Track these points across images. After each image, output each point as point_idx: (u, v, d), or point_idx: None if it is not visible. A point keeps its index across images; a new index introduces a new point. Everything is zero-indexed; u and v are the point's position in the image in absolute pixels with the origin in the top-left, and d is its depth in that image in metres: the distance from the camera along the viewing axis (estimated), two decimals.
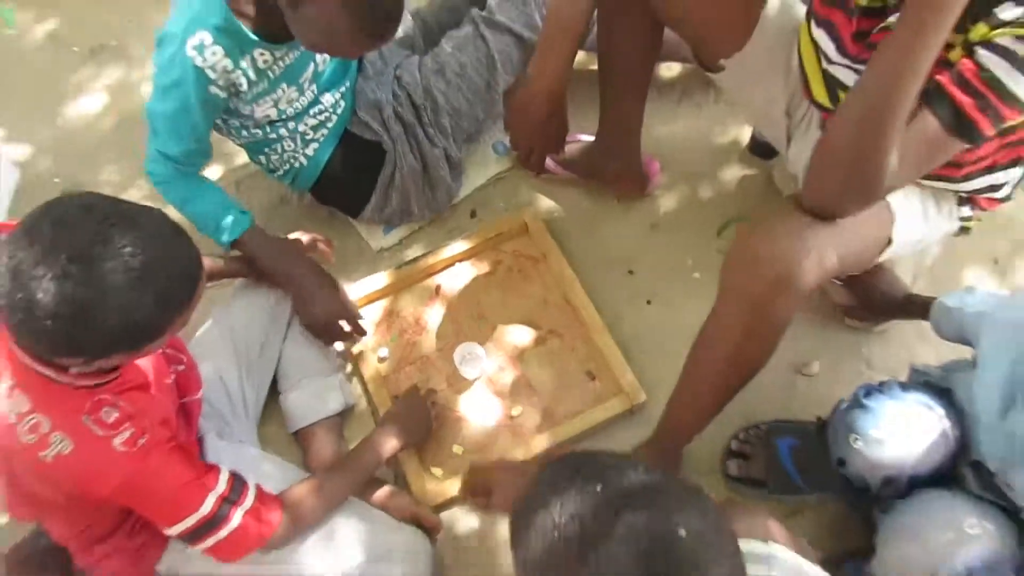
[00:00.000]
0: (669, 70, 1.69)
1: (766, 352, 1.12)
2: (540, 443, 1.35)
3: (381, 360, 1.46)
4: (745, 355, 1.11)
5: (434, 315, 1.49)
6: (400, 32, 1.53)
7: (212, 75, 1.18)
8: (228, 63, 1.18)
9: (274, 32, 1.20)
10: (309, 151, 1.44)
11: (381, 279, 1.51)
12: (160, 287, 0.89)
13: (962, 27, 0.90)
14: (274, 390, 1.41)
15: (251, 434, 1.36)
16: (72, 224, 0.86)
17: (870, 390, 1.09)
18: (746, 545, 0.79)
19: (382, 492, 1.32)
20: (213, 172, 1.65)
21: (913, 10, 0.84)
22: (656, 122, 1.61)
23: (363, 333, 1.42)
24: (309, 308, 1.35)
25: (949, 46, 0.93)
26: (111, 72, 1.83)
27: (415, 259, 1.54)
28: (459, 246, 1.53)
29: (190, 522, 1.03)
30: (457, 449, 1.39)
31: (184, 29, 1.16)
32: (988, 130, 0.93)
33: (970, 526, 0.96)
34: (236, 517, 1.06)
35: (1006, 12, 0.87)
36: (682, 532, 0.62)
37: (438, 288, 1.52)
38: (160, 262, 0.89)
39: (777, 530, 0.94)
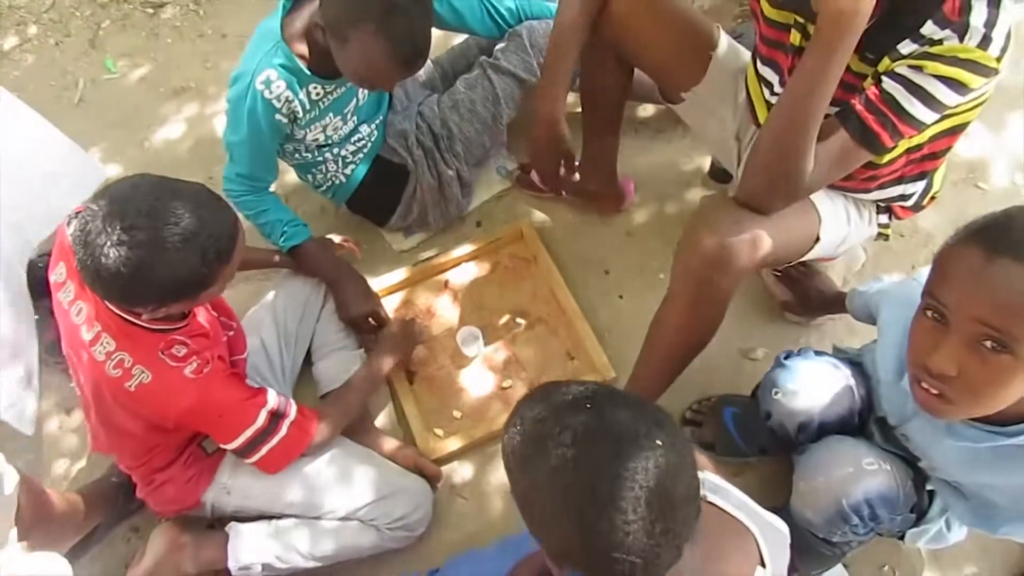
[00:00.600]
0: (645, 111, 1.98)
1: (710, 325, 1.33)
2: None
3: None
4: (692, 327, 1.32)
5: (442, 304, 1.78)
6: (423, 75, 1.87)
7: (276, 104, 1.47)
8: (289, 94, 1.47)
9: (325, 70, 1.49)
10: (347, 171, 1.74)
11: (400, 274, 1.80)
12: (203, 246, 1.09)
13: (874, 62, 1.13)
14: (307, 361, 1.69)
15: (288, 394, 1.65)
16: (125, 199, 1.07)
17: (789, 354, 1.30)
18: None
19: (391, 445, 1.58)
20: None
21: (818, 45, 1.06)
22: (634, 152, 1.90)
23: (385, 324, 1.71)
24: (346, 307, 1.66)
25: (863, 76, 1.15)
26: (190, 108, 2.15)
27: (429, 258, 1.83)
28: (465, 248, 1.82)
29: (248, 434, 1.29)
30: (456, 414, 1.65)
31: (254, 69, 1.45)
32: (888, 142, 1.14)
33: (868, 463, 1.13)
34: (284, 427, 1.32)
35: (905, 48, 1.08)
36: (651, 434, 0.78)
37: (447, 282, 1.81)
38: (202, 225, 1.08)
39: (705, 462, 1.15)
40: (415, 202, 1.80)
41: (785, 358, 1.30)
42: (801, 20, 1.22)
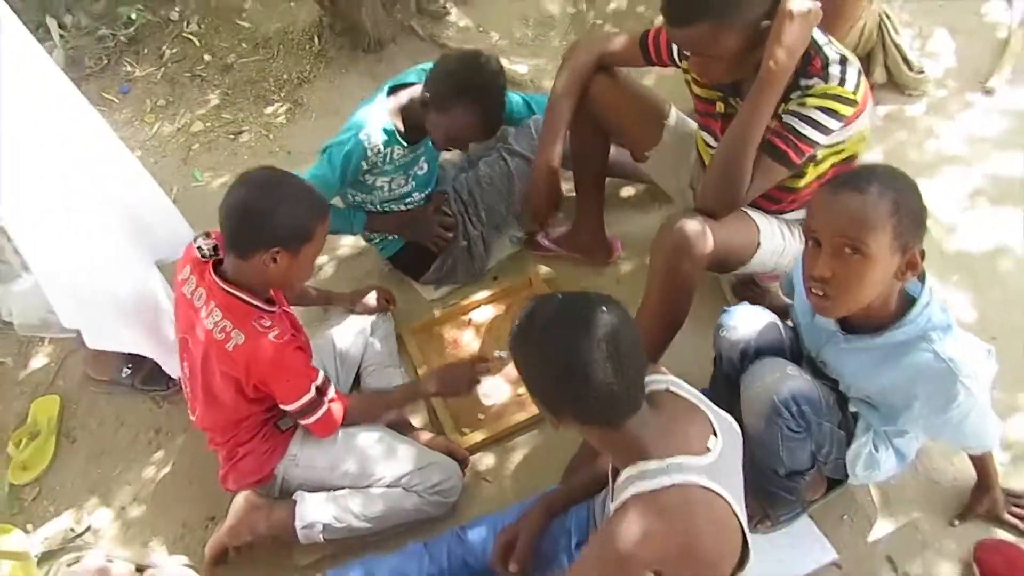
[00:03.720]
0: (628, 190, 2.46)
1: (681, 306, 1.70)
2: (534, 409, 1.96)
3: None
4: (666, 307, 1.69)
5: (466, 336, 2.17)
6: (462, 158, 2.39)
7: (369, 153, 1.96)
8: (381, 147, 1.97)
9: (413, 137, 2.01)
10: None
11: (431, 314, 2.21)
12: (308, 204, 1.57)
13: (780, 106, 1.60)
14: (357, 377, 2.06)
15: None
16: (252, 175, 1.57)
17: (732, 307, 1.65)
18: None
19: (426, 436, 1.91)
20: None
21: (752, 96, 1.53)
22: (620, 221, 2.33)
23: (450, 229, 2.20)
24: (411, 233, 2.19)
25: (776, 117, 1.61)
26: None
27: (454, 303, 2.25)
28: (485, 293, 2.24)
29: (301, 402, 1.64)
30: (480, 416, 2.00)
31: (361, 127, 1.95)
32: (795, 157, 1.58)
33: (792, 371, 1.46)
34: (325, 403, 1.67)
35: (792, 95, 1.56)
36: (601, 304, 1.16)
37: (470, 320, 2.21)
38: (306, 190, 1.59)
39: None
40: (449, 259, 2.25)
41: (728, 308, 1.66)
42: (722, 94, 1.72)
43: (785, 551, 1.68)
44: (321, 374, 1.69)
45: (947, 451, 1.79)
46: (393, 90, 2.05)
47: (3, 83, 1.60)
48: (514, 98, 2.24)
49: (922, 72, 2.61)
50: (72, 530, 1.89)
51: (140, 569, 1.67)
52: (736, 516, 1.23)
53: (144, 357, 2.04)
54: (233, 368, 1.61)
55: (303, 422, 1.69)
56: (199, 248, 1.62)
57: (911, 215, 1.28)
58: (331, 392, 1.71)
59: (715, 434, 1.26)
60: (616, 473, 1.27)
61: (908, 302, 1.37)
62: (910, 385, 1.36)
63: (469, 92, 1.89)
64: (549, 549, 1.58)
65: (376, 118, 1.98)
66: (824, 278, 1.30)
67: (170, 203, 2.17)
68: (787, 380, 1.45)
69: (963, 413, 1.34)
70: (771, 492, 1.68)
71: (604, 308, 1.17)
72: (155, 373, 2.11)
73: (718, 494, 1.19)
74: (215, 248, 1.63)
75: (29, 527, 1.92)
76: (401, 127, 2.00)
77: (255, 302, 1.62)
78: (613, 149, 2.17)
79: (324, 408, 1.68)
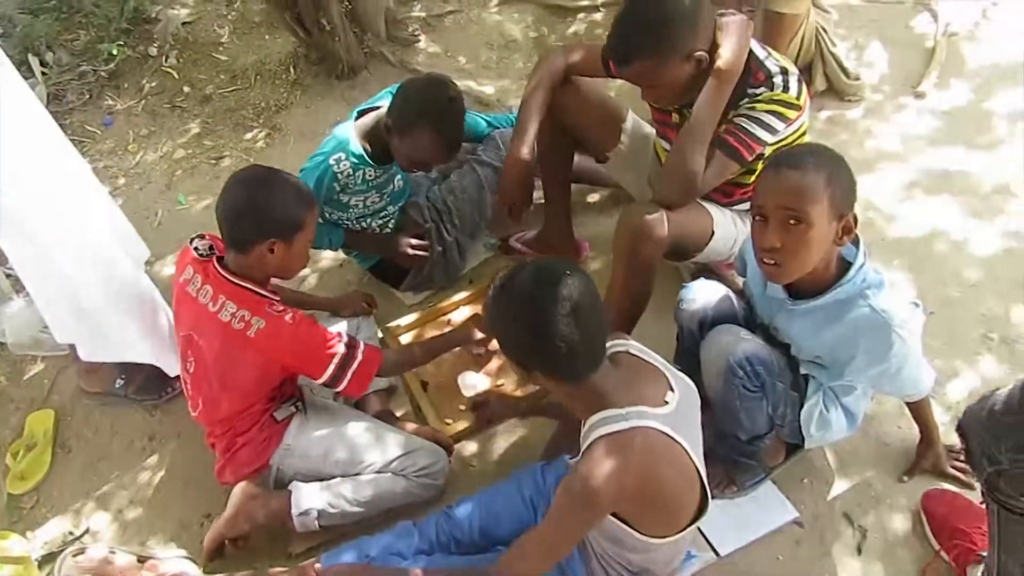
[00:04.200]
0: (593, 196, 2.61)
1: (644, 288, 1.85)
2: (516, 396, 2.08)
3: None
4: (630, 288, 1.84)
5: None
6: (434, 172, 2.53)
7: (340, 176, 2.08)
8: (350, 170, 2.08)
9: (382, 159, 2.13)
10: None
11: (413, 317, 2.33)
12: (297, 196, 1.71)
13: (727, 114, 1.77)
14: None
15: (330, 399, 2.08)
16: (243, 175, 1.73)
17: (690, 282, 1.81)
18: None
19: (411, 425, 2.02)
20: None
21: (709, 91, 1.71)
22: (587, 225, 2.49)
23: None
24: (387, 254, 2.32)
25: (728, 121, 1.77)
26: None
27: (433, 304, 2.37)
28: (462, 295, 2.36)
29: (335, 363, 1.73)
30: (461, 407, 2.11)
31: (330, 152, 2.08)
32: (745, 154, 1.75)
33: (745, 334, 1.62)
34: (360, 352, 1.77)
35: (743, 101, 1.75)
36: (567, 269, 1.30)
37: (449, 320, 2.33)
38: (293, 184, 1.73)
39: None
40: (425, 265, 2.37)
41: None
42: (678, 107, 1.89)
43: (751, 513, 1.81)
44: (345, 334, 1.80)
45: (895, 416, 1.94)
46: (363, 113, 2.18)
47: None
48: (479, 120, 2.42)
49: (858, 79, 2.83)
50: (71, 533, 1.96)
51: (141, 560, 1.74)
52: (693, 464, 1.36)
53: (137, 368, 2.14)
54: (260, 352, 1.71)
55: (339, 388, 1.77)
56: (196, 249, 1.73)
57: (842, 185, 1.45)
58: (362, 343, 1.81)
59: (672, 390, 1.40)
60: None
61: (845, 266, 1.53)
62: (852, 338, 1.51)
63: (427, 117, 2.02)
64: (526, 518, 1.69)
65: (344, 142, 2.10)
66: (775, 248, 1.45)
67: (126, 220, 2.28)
68: (741, 343, 1.60)
69: (900, 361, 1.49)
70: (735, 460, 1.82)
71: (569, 272, 1.31)
72: (148, 383, 2.20)
73: (676, 441, 1.32)
74: (210, 248, 1.74)
75: (28, 533, 1.98)
76: (369, 149, 2.12)
77: (263, 292, 1.75)
78: (579, 158, 2.34)
79: (359, 359, 1.77)
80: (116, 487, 2.06)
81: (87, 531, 1.96)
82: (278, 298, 1.78)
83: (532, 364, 1.34)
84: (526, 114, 2.03)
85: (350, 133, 2.12)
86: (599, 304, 1.34)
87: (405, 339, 2.29)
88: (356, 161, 2.10)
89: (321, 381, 1.76)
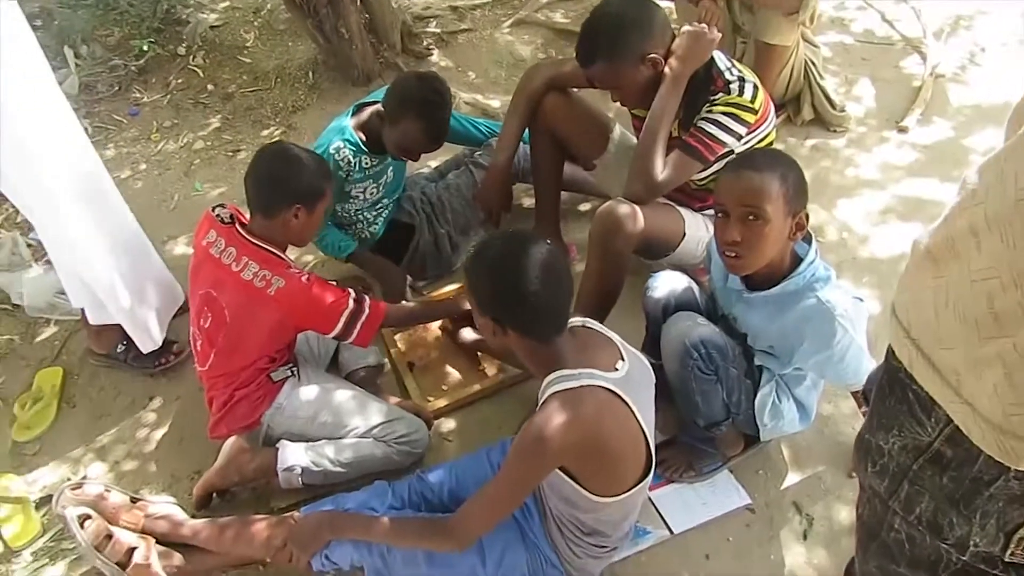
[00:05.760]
0: (584, 205, 2.75)
1: (616, 277, 1.97)
2: (492, 380, 2.21)
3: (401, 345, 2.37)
4: (603, 278, 1.96)
5: (435, 322, 2.41)
6: (427, 172, 2.69)
7: (342, 163, 2.23)
8: (351, 158, 2.24)
9: (376, 148, 2.29)
10: (371, 230, 2.47)
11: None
12: (318, 167, 1.93)
13: (690, 119, 1.93)
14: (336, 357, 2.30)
15: (321, 371, 2.22)
16: (270, 148, 1.95)
17: (657, 272, 1.94)
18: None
19: (394, 399, 2.15)
20: None
21: (662, 94, 1.89)
22: (575, 231, 2.60)
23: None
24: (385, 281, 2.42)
25: (693, 125, 1.94)
26: None
27: (427, 294, 2.51)
28: (452, 287, 2.49)
29: (344, 317, 1.89)
30: (444, 387, 2.23)
31: (330, 142, 2.24)
32: (706, 154, 1.91)
33: (701, 320, 1.74)
34: (367, 306, 1.93)
35: (704, 106, 1.92)
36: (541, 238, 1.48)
37: None
38: (315, 157, 1.94)
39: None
40: (416, 254, 2.51)
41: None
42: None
43: (707, 497, 1.92)
44: (352, 291, 1.96)
45: (850, 417, 2.05)
46: (360, 108, 2.35)
47: (21, 88, 1.80)
48: (477, 124, 2.59)
49: (844, 111, 2.99)
50: (68, 479, 2.08)
51: (133, 500, 1.86)
52: (640, 425, 1.48)
53: None
54: (278, 308, 1.87)
55: (349, 339, 1.94)
56: (219, 216, 1.93)
57: (795, 185, 1.59)
58: (367, 301, 1.96)
59: (623, 360, 1.53)
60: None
61: (798, 261, 1.66)
62: (800, 326, 1.64)
63: (415, 107, 2.18)
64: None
65: (342, 131, 2.27)
66: (736, 242, 1.59)
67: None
68: (697, 328, 1.73)
69: (843, 348, 1.61)
70: (695, 447, 1.93)
71: (546, 242, 1.45)
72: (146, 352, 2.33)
73: (624, 401, 1.44)
74: (231, 216, 1.94)
75: (29, 477, 2.11)
76: (364, 139, 2.29)
77: (282, 255, 1.93)
78: (569, 167, 2.49)
79: (367, 312, 1.93)
80: (114, 440, 2.19)
81: (84, 478, 2.08)
82: (293, 260, 1.94)
83: (504, 319, 1.47)
84: (507, 129, 2.21)
85: (347, 124, 2.29)
86: (568, 273, 1.49)
87: None
88: (354, 149, 2.26)
89: (332, 335, 1.93)
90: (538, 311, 1.44)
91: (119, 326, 2.21)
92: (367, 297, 1.98)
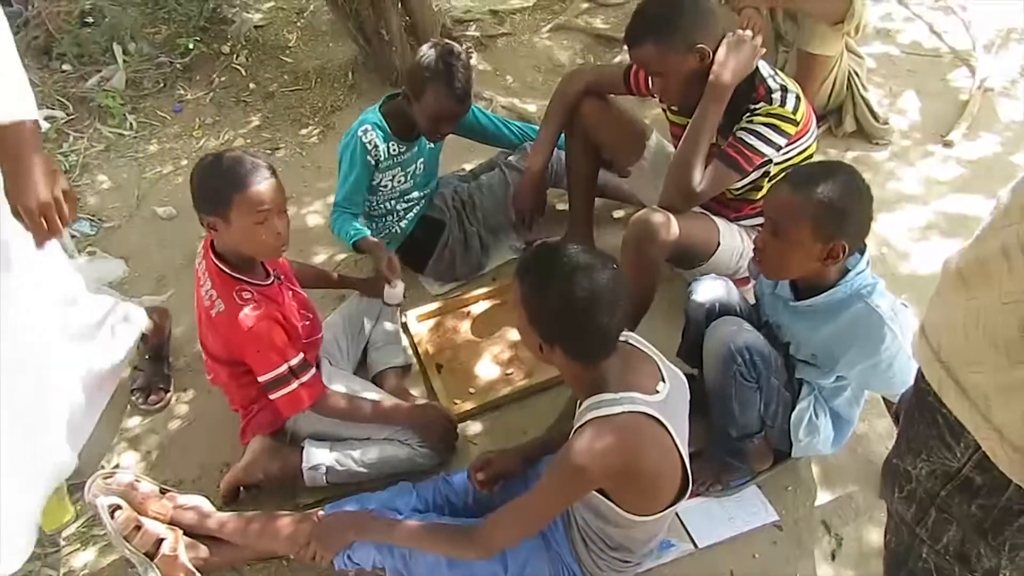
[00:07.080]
0: (618, 212, 2.73)
1: (649, 283, 1.96)
2: (519, 385, 2.20)
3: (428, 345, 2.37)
4: (636, 286, 1.91)
5: (465, 325, 2.42)
6: (460, 173, 2.69)
7: (369, 147, 2.25)
8: (379, 142, 2.27)
9: (403, 134, 2.31)
10: (401, 225, 2.48)
11: (435, 305, 2.47)
12: (227, 176, 1.66)
13: (730, 127, 1.91)
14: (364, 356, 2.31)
15: (349, 372, 2.24)
16: (203, 159, 1.74)
17: (701, 277, 1.92)
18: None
19: (421, 401, 2.15)
20: None
21: (704, 104, 1.87)
22: (609, 237, 2.58)
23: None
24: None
25: (732, 134, 1.92)
26: (291, 209, 2.95)
27: (456, 296, 2.52)
28: (482, 290, 2.50)
29: (270, 376, 1.77)
30: (471, 390, 2.24)
31: (359, 125, 2.27)
32: (744, 165, 1.89)
33: (747, 327, 1.72)
34: (294, 384, 1.78)
35: (745, 115, 1.89)
36: (609, 261, 1.42)
37: (469, 311, 2.47)
38: (232, 166, 1.67)
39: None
40: (446, 252, 2.51)
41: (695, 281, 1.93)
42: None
43: (733, 511, 1.89)
44: (299, 358, 1.80)
45: (885, 437, 2.01)
46: (389, 100, 2.38)
47: None
48: (509, 124, 2.60)
49: (887, 123, 2.93)
50: (102, 467, 2.12)
51: (163, 491, 1.89)
52: (677, 449, 1.45)
53: (146, 366, 2.29)
54: (215, 333, 1.81)
55: (270, 396, 1.81)
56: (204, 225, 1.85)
57: (834, 212, 1.53)
58: (306, 377, 1.81)
59: (664, 381, 1.50)
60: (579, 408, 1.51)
61: (846, 271, 1.63)
62: (847, 334, 1.62)
63: (433, 70, 2.17)
64: (519, 488, 1.79)
65: (369, 120, 2.30)
66: (760, 247, 1.58)
67: None
68: (743, 333, 1.71)
69: (891, 355, 1.58)
70: (725, 460, 1.90)
71: (614, 264, 1.43)
72: (144, 384, 2.29)
73: (663, 426, 1.42)
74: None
75: None
76: (392, 125, 2.30)
77: (236, 274, 1.79)
78: (605, 174, 2.48)
79: (291, 388, 1.79)
80: (147, 431, 2.23)
81: (117, 467, 2.12)
82: (263, 283, 1.83)
83: (556, 340, 1.43)
84: (545, 129, 2.20)
85: (375, 113, 2.32)
86: (628, 298, 1.45)
87: (427, 325, 2.44)
88: (382, 134, 2.28)
89: (260, 379, 1.80)
90: (595, 341, 1.42)
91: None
92: (309, 375, 1.82)
